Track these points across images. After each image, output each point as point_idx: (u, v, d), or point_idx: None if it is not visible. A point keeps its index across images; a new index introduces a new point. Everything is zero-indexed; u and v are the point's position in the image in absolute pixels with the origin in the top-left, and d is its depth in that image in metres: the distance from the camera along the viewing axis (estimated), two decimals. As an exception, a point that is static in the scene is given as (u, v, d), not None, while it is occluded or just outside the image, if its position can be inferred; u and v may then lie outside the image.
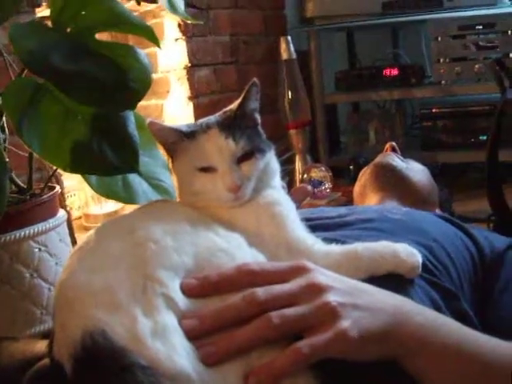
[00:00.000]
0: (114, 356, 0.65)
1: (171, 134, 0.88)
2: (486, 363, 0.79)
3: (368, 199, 1.58)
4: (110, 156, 1.11)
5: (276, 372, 0.69)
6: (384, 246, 0.90)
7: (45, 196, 1.30)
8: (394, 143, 1.71)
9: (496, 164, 2.03)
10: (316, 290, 0.74)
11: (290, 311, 0.71)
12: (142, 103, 1.11)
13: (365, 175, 1.61)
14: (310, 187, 1.12)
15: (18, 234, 1.20)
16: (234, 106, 0.91)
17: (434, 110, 2.84)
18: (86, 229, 2.04)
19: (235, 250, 0.80)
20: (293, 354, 0.69)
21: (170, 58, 2.29)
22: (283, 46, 2.46)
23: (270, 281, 0.74)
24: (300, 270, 0.76)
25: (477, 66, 2.70)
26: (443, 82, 2.74)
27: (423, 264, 0.95)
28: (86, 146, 1.09)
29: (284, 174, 0.95)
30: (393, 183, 1.55)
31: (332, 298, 0.73)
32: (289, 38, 2.46)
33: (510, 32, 2.67)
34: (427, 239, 1.06)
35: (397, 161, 1.60)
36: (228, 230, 0.84)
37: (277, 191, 0.93)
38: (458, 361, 0.78)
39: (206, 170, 0.86)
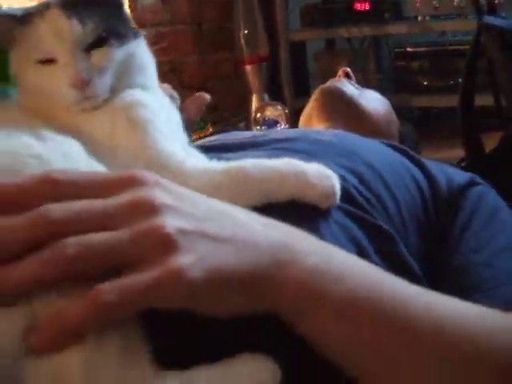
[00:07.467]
0: None
1: (1, 22, 0.67)
2: (409, 326, 0.56)
3: (313, 131, 1.35)
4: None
5: (67, 328, 0.45)
6: (286, 163, 0.67)
7: None
8: (348, 69, 1.46)
9: (471, 106, 1.80)
10: (146, 209, 0.49)
11: (96, 237, 0.47)
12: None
13: (310, 103, 1.37)
14: (208, 96, 0.88)
15: None
16: None
17: (408, 49, 2.58)
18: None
19: (59, 158, 0.56)
20: (90, 302, 0.45)
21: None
22: (239, -28, 2.19)
23: (82, 195, 0.49)
24: (132, 183, 0.51)
25: (456, 0, 2.44)
26: (419, 17, 2.48)
27: (348, 193, 0.73)
28: None
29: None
30: (341, 111, 1.30)
31: (168, 221, 0.48)
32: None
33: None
34: (360, 165, 0.83)
35: (348, 86, 1.36)
36: (66, 136, 0.61)
37: (146, 91, 0.70)
38: (366, 320, 0.55)
39: (47, 62, 0.64)
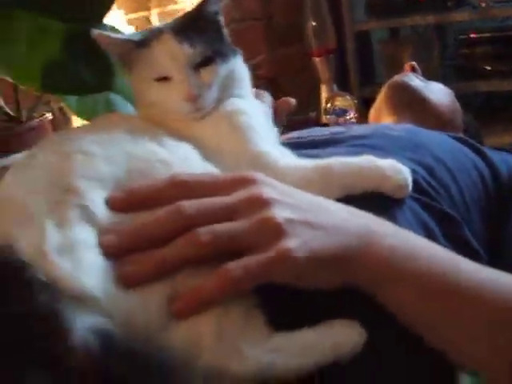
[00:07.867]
0: (16, 272, 0.56)
1: (122, 46, 0.80)
2: (481, 299, 0.67)
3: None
4: (84, 74, 1.06)
5: (203, 298, 0.58)
6: (365, 160, 0.79)
7: (32, 123, 1.33)
8: (414, 63, 1.57)
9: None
10: (258, 203, 0.62)
11: (222, 227, 0.60)
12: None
13: (379, 97, 1.48)
14: (293, 100, 1.01)
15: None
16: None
17: (471, 36, 2.65)
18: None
19: (179, 161, 0.70)
20: (221, 277, 0.58)
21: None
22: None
23: (205, 193, 0.63)
24: (244, 182, 0.65)
25: (521, -16, 2.49)
26: (482, 3, 2.54)
27: (417, 184, 0.84)
28: (59, 65, 1.04)
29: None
30: (408, 104, 1.41)
31: (277, 212, 0.62)
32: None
33: None
34: (426, 157, 0.94)
35: (414, 80, 1.46)
36: (180, 142, 0.74)
37: (243, 100, 0.83)
38: (442, 293, 0.67)
39: (162, 79, 0.78)
